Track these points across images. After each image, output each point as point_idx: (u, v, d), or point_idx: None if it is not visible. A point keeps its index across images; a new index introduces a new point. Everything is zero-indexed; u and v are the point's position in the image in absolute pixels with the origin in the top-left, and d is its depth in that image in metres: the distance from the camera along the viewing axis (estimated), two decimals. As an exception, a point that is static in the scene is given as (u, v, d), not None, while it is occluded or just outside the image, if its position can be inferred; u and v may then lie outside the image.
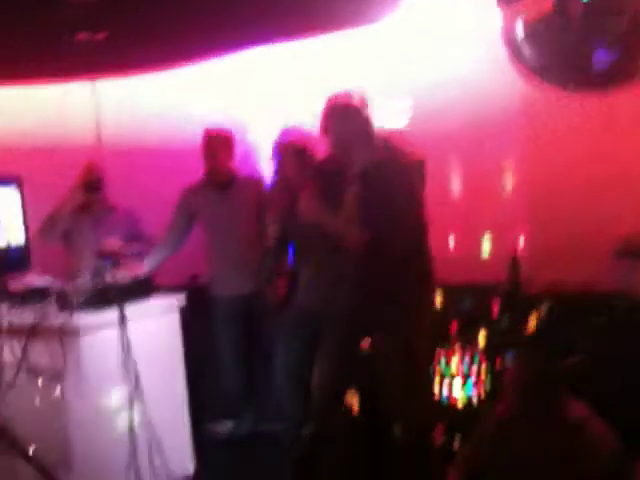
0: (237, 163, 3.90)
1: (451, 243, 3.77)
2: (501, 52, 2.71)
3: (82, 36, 3.50)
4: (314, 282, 3.37)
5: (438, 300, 3.34)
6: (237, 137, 3.90)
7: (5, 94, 4.49)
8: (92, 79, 4.49)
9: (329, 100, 2.89)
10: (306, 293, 3.42)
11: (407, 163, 2.90)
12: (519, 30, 2.53)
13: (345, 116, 2.86)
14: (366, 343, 3.04)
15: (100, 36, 3.54)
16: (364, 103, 2.88)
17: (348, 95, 2.87)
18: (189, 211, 3.91)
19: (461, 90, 3.70)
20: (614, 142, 3.42)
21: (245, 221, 3.84)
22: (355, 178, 2.91)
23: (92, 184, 3.97)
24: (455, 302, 3.47)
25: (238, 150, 3.91)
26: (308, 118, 3.24)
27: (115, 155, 4.33)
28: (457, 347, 3.37)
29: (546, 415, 2.37)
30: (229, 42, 4.05)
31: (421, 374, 3.02)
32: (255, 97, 4.38)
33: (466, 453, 2.67)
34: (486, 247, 3.71)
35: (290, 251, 3.56)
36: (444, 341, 3.41)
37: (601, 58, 2.31)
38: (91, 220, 4.02)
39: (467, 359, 3.33)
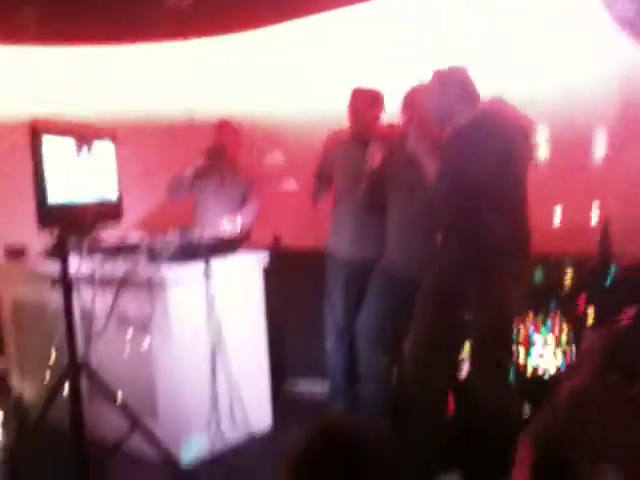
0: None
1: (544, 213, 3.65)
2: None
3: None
4: (403, 245, 3.34)
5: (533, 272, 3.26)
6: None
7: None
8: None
9: (433, 72, 2.95)
10: (394, 255, 3.40)
11: (507, 122, 2.84)
12: None
13: (448, 85, 2.89)
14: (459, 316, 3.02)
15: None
16: (465, 73, 2.92)
17: (450, 67, 2.93)
18: (330, 163, 3.79)
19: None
20: None
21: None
22: (452, 134, 2.91)
23: (218, 149, 4.12)
24: (548, 273, 3.38)
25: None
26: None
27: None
28: (548, 318, 3.29)
29: (625, 387, 2.30)
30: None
31: (509, 348, 2.97)
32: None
33: (539, 424, 2.62)
34: (574, 217, 3.59)
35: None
36: (535, 311, 3.33)
37: None
38: (215, 181, 4.20)
39: (556, 330, 3.25)
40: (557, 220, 3.59)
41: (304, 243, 4.19)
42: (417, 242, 3.26)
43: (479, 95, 2.93)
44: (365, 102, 3.63)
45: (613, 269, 3.29)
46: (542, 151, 3.55)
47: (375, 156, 3.34)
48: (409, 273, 3.23)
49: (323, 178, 3.78)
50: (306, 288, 4.02)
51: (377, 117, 3.66)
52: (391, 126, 3.45)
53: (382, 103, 3.66)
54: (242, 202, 4.27)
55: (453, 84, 2.90)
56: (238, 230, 3.99)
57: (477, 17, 3.76)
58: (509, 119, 2.87)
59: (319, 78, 4.40)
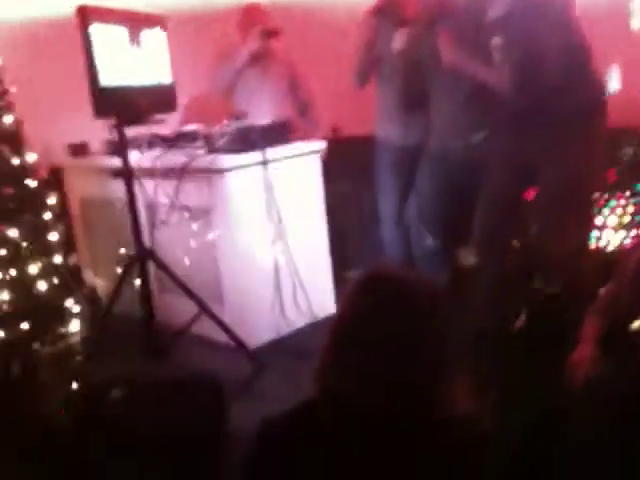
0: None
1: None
2: None
3: None
4: (454, 126, 3.24)
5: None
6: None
7: None
8: None
9: None
10: (444, 138, 3.30)
11: None
12: None
13: None
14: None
15: None
16: None
17: None
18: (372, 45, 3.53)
19: None
20: None
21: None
22: (498, 23, 2.74)
23: (271, 30, 3.94)
24: (616, 147, 3.23)
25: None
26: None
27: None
28: (616, 195, 3.16)
29: None
30: None
31: (585, 214, 2.87)
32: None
33: (607, 296, 2.56)
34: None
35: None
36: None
37: None
38: (261, 68, 4.05)
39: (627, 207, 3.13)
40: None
41: (363, 130, 4.10)
42: (472, 121, 3.15)
43: None
44: None
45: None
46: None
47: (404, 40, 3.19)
48: (464, 153, 3.15)
49: (367, 62, 3.55)
50: (366, 176, 3.96)
51: None
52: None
53: None
54: (289, 92, 4.15)
55: None
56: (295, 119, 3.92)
57: None
58: None
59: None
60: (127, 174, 2.96)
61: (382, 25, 3.45)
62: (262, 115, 3.76)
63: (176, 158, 3.27)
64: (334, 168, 3.81)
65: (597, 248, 3.14)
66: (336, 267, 3.77)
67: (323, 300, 3.63)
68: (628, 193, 3.13)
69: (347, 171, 4.06)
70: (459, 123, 3.22)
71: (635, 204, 3.13)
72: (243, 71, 3.98)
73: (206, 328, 3.19)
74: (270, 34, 3.90)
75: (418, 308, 1.31)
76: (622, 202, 3.11)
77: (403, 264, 3.71)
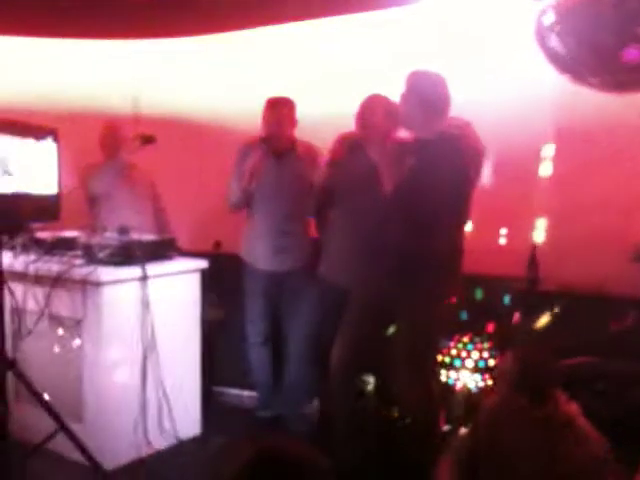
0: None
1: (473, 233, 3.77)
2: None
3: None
4: (344, 256, 3.37)
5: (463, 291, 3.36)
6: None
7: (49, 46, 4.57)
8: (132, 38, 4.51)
9: (413, 72, 2.95)
10: (334, 266, 3.44)
11: (467, 146, 2.90)
12: (549, 19, 2.52)
13: (416, 88, 2.91)
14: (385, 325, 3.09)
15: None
16: (439, 80, 2.92)
17: (426, 71, 2.95)
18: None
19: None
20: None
21: (297, 194, 3.64)
22: (415, 147, 2.95)
23: (149, 137, 3.92)
24: (469, 292, 3.49)
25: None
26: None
27: (150, 124, 4.33)
28: (468, 337, 3.39)
29: (534, 409, 2.40)
30: (262, 15, 4.07)
31: (430, 360, 3.06)
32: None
33: (460, 441, 2.72)
34: (504, 240, 3.73)
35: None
36: (456, 330, 3.43)
37: (632, 54, 2.28)
38: (126, 179, 4.09)
39: (477, 349, 3.35)
40: (488, 241, 3.72)
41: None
42: (363, 253, 3.25)
43: (449, 106, 2.93)
44: (284, 109, 3.58)
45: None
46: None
47: (321, 174, 3.39)
48: (349, 284, 3.27)
49: (247, 189, 3.62)
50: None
51: (294, 125, 3.62)
52: (341, 139, 3.43)
53: (295, 111, 3.64)
54: (149, 202, 4.20)
55: (429, 86, 2.91)
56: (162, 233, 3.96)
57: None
58: (469, 143, 2.92)
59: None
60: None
61: (265, 154, 3.62)
62: (126, 222, 3.61)
63: (51, 264, 3.22)
64: (213, 283, 3.85)
65: (453, 389, 3.33)
66: (205, 386, 3.74)
67: (189, 422, 3.57)
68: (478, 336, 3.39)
69: (225, 286, 4.10)
70: (350, 256, 3.33)
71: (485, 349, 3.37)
72: (115, 178, 4.02)
73: (63, 445, 3.05)
74: (148, 140, 3.95)
75: None
76: (478, 346, 3.34)
77: (270, 397, 3.80)
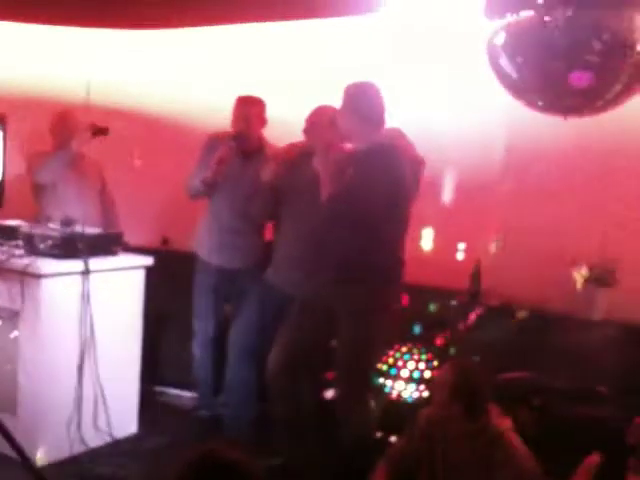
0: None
1: (424, 246, 3.81)
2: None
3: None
4: (289, 260, 3.38)
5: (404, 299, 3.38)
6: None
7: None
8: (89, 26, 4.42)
9: (350, 85, 2.99)
10: (279, 270, 3.45)
11: (403, 156, 2.92)
12: (500, 39, 2.56)
13: (355, 100, 2.95)
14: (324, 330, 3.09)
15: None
16: (377, 92, 2.97)
17: (364, 83, 2.99)
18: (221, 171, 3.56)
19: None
20: (589, 166, 3.50)
21: (255, 194, 3.58)
22: (352, 158, 2.97)
23: (101, 128, 3.81)
24: (419, 304, 3.53)
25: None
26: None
27: (103, 114, 4.26)
28: (414, 348, 3.42)
29: (467, 420, 2.44)
30: (232, 12, 4.04)
31: (368, 369, 3.06)
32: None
33: (395, 449, 2.76)
34: (455, 254, 3.78)
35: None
36: (402, 340, 3.46)
37: (579, 78, 2.34)
38: (74, 170, 3.95)
39: (413, 360, 3.39)
40: (430, 254, 3.76)
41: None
42: (305, 259, 3.25)
43: (384, 117, 2.98)
44: (254, 109, 3.58)
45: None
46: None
47: (270, 171, 3.38)
48: (292, 288, 3.27)
49: (211, 183, 3.56)
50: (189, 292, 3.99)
51: (263, 125, 3.63)
52: (292, 145, 3.48)
53: (265, 111, 3.65)
54: (97, 194, 4.12)
55: (364, 98, 2.96)
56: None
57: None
58: (406, 153, 2.96)
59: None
60: None
61: (231, 150, 3.56)
62: (71, 213, 3.53)
63: (-9, 254, 3.14)
64: (159, 280, 3.80)
65: (390, 398, 3.36)
66: (145, 385, 3.69)
67: (125, 420, 3.53)
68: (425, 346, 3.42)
69: (171, 284, 4.06)
70: (296, 259, 3.33)
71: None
72: (63, 168, 3.89)
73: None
74: (100, 132, 3.88)
75: None
76: (415, 357, 3.38)
77: (211, 396, 3.77)
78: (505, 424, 2.49)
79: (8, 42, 4.57)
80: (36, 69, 4.57)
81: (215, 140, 3.62)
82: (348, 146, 3.04)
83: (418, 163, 3.05)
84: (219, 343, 3.75)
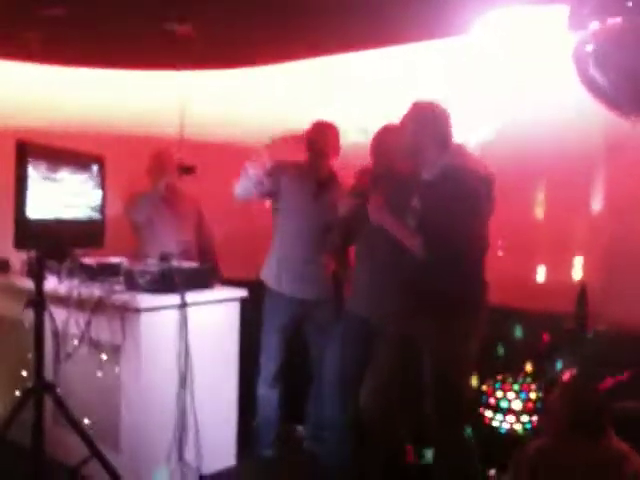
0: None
1: (512, 267, 3.66)
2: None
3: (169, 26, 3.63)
4: (370, 289, 3.33)
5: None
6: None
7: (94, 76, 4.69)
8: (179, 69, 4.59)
9: (412, 105, 2.93)
10: (360, 300, 3.39)
11: (475, 175, 2.83)
12: (588, 48, 2.45)
13: (424, 121, 2.89)
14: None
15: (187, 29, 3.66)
16: (444, 113, 2.91)
17: (430, 103, 2.92)
18: (278, 182, 3.60)
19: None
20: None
21: (328, 224, 3.56)
22: (422, 186, 2.92)
23: (189, 167, 4.05)
24: (507, 329, 3.39)
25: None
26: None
27: (195, 149, 4.38)
28: (519, 376, 3.28)
29: (590, 446, 2.32)
30: (315, 46, 4.10)
31: (459, 400, 2.92)
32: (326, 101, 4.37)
33: None
34: (549, 275, 3.62)
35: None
36: (493, 369, 3.33)
37: None
38: (170, 207, 4.14)
39: (515, 389, 3.24)
40: (536, 277, 3.61)
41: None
42: (386, 289, 3.20)
43: (451, 137, 2.91)
44: (330, 136, 3.58)
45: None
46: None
47: (347, 206, 3.34)
48: (375, 318, 3.23)
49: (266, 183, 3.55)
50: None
51: (337, 154, 3.62)
52: (363, 172, 3.40)
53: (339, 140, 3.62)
54: (195, 229, 4.23)
55: (429, 119, 2.88)
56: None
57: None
58: (476, 173, 2.85)
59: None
60: (38, 301, 2.90)
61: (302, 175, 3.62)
62: (168, 249, 3.67)
63: (94, 289, 3.25)
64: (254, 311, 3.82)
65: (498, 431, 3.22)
66: (242, 417, 3.70)
67: (222, 453, 3.55)
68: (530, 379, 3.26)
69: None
70: (373, 294, 3.30)
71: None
72: (158, 205, 4.05)
73: (97, 470, 3.04)
74: (187, 171, 3.99)
75: None
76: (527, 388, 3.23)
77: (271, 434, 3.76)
78: (625, 447, 2.34)
79: (104, 85, 4.80)
80: (132, 109, 4.77)
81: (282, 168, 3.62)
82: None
83: (490, 182, 2.91)
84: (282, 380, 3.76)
